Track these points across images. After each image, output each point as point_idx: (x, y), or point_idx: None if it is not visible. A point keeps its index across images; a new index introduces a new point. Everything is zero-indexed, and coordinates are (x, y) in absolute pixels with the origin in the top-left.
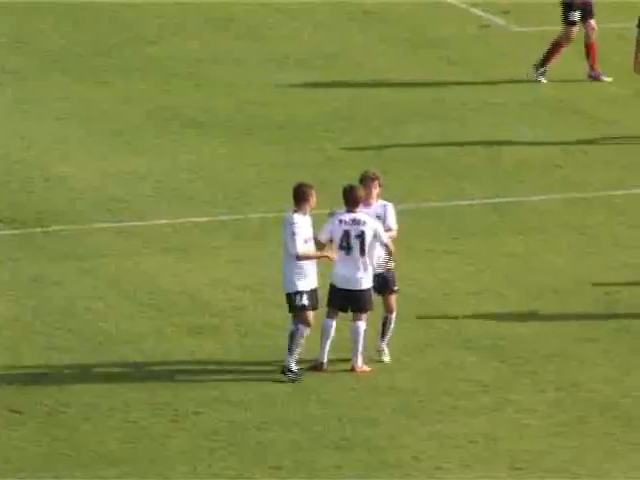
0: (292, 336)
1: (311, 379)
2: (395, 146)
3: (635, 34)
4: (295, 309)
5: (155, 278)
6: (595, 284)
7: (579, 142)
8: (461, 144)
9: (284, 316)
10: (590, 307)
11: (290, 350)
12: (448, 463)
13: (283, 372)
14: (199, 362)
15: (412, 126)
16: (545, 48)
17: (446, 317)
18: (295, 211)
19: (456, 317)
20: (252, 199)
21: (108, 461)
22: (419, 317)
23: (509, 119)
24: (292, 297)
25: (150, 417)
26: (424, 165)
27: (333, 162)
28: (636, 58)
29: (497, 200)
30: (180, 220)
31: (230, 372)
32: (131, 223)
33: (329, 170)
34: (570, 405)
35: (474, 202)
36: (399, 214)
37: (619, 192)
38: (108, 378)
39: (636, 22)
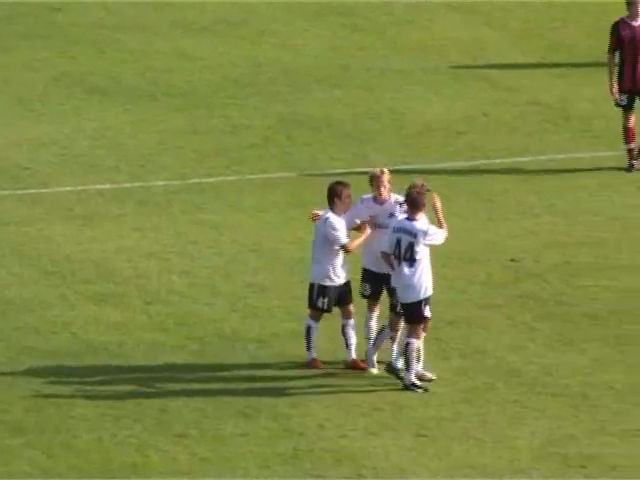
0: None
1: (214, 348)
2: (299, 113)
3: (607, 59)
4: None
5: (59, 246)
6: (500, 251)
7: (483, 108)
8: (365, 110)
9: (188, 283)
10: (495, 274)
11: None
12: (353, 431)
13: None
14: (103, 330)
15: (316, 92)
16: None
17: (352, 284)
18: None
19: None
20: (156, 166)
21: (13, 430)
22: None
23: (413, 85)
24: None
25: (55, 386)
26: (328, 132)
27: (237, 129)
28: (611, 85)
29: (402, 167)
30: (84, 187)
31: (135, 340)
32: (34, 190)
33: (233, 137)
34: (475, 372)
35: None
36: (304, 180)
37: (524, 158)
38: (11, 347)
39: (607, 48)
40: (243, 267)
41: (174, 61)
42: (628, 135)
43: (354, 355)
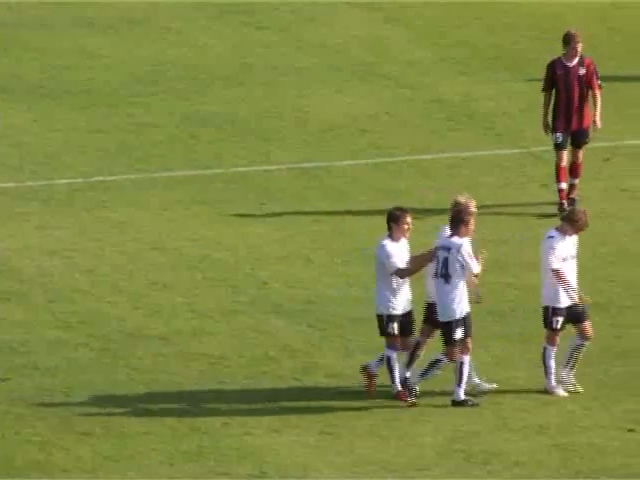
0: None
1: (118, 345)
2: (203, 111)
3: (542, 98)
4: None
5: None
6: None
7: (386, 106)
8: (269, 108)
9: (91, 281)
10: None
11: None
12: (257, 428)
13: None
14: (7, 328)
15: (220, 91)
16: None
17: (255, 282)
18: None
19: (265, 282)
20: (59, 165)
21: None
22: (228, 283)
23: (316, 83)
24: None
25: None
26: (232, 130)
27: (141, 127)
28: (545, 123)
29: (305, 165)
30: None
31: (38, 338)
32: None
33: (137, 135)
34: (379, 369)
35: (282, 167)
36: (207, 178)
37: (427, 156)
38: None
39: (541, 86)
40: (146, 265)
41: (77, 59)
42: (560, 174)
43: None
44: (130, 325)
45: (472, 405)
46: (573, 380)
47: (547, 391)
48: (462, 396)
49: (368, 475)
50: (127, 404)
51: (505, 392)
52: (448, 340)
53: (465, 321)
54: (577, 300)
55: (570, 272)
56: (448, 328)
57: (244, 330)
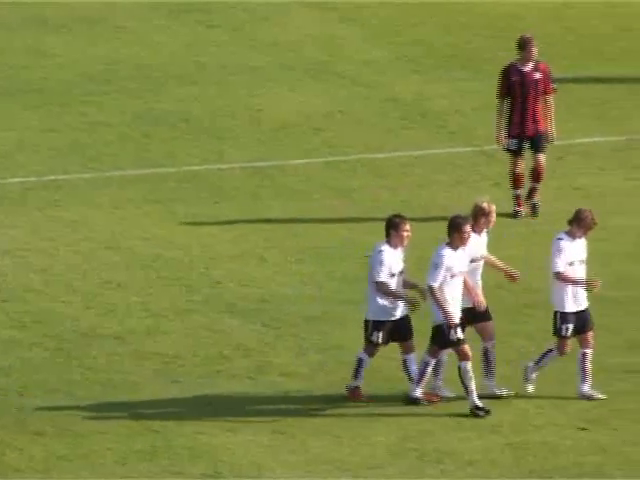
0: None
1: (71, 344)
2: (156, 109)
3: (497, 105)
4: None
5: None
6: (357, 247)
7: (340, 105)
8: (222, 107)
9: (45, 280)
10: (352, 269)
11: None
12: (211, 428)
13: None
14: None
15: (173, 89)
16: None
17: (209, 281)
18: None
19: (218, 281)
20: (12, 163)
21: None
22: (182, 281)
23: (269, 82)
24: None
25: None
26: (185, 128)
27: (94, 126)
28: (498, 130)
29: (258, 164)
30: None
31: None
32: None
33: (89, 134)
34: (332, 368)
35: (235, 165)
36: (159, 177)
37: (381, 155)
38: None
39: (496, 93)
40: (100, 264)
41: (30, 58)
42: (516, 181)
43: (419, 391)
44: (84, 324)
45: (425, 404)
46: (591, 391)
47: (584, 396)
48: (417, 394)
49: (321, 474)
50: (81, 403)
51: (459, 391)
52: (438, 342)
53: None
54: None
55: (580, 276)
56: (438, 331)
57: (198, 329)
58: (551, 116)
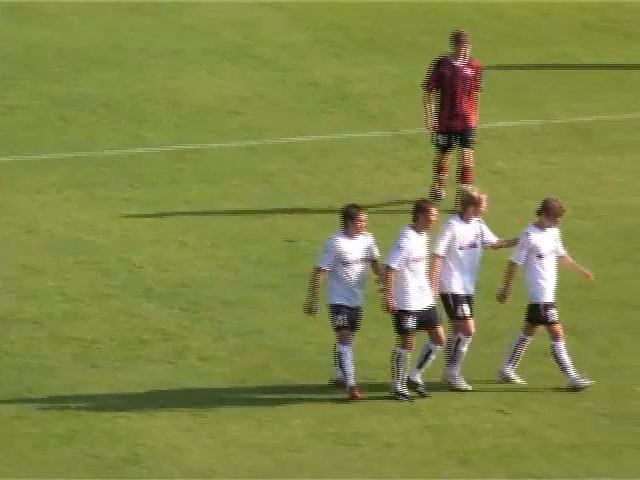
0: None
1: None
2: (75, 93)
3: (423, 95)
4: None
5: None
6: (276, 231)
7: (258, 89)
8: (141, 91)
9: None
10: (271, 254)
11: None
12: (130, 412)
13: None
14: None
15: (92, 73)
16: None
17: (127, 265)
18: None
19: (137, 265)
20: None
21: None
22: (100, 266)
23: (188, 66)
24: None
25: None
26: (104, 112)
27: (12, 110)
28: (427, 121)
29: (177, 147)
30: None
31: None
32: None
33: (7, 118)
34: (251, 352)
35: (154, 149)
36: (79, 162)
37: (300, 139)
38: None
39: (424, 83)
40: (18, 248)
41: None
42: (440, 168)
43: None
44: (2, 308)
45: (409, 400)
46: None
47: (572, 387)
48: (399, 388)
49: (240, 457)
50: None
51: (378, 374)
52: (396, 328)
53: (409, 312)
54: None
55: (551, 268)
56: (395, 317)
57: (116, 313)
58: (476, 111)
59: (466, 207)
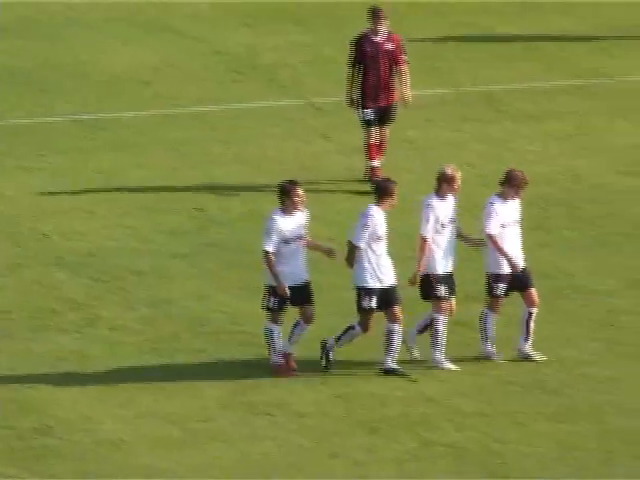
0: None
1: None
2: None
3: (347, 72)
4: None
5: None
6: (186, 200)
7: (169, 58)
8: (51, 60)
9: None
10: (181, 223)
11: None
12: (41, 382)
13: None
14: None
15: (0, 42)
16: None
17: (37, 235)
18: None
19: (46, 235)
20: None
21: None
22: (10, 235)
23: (99, 35)
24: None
25: None
26: (12, 82)
27: None
28: (350, 99)
29: (89, 117)
30: None
31: None
32: None
33: None
34: (161, 321)
35: (65, 119)
36: None
37: (211, 108)
38: None
39: (348, 62)
40: None
41: None
42: (370, 152)
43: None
44: None
45: (402, 374)
46: (531, 351)
47: (484, 355)
48: (391, 365)
49: (151, 427)
50: None
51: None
52: (357, 307)
53: (368, 291)
54: (516, 267)
55: (513, 238)
56: (356, 295)
57: (27, 283)
58: (408, 84)
59: (440, 184)
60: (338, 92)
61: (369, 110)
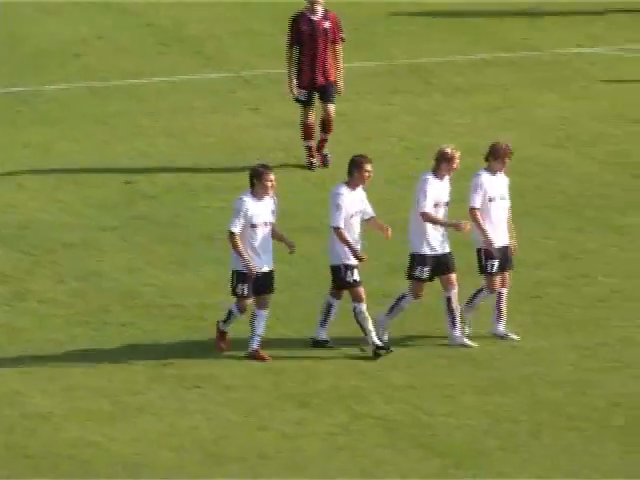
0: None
1: None
2: None
3: (286, 53)
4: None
5: None
6: (115, 173)
7: (98, 31)
8: None
9: None
10: (110, 196)
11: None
12: None
13: None
14: None
15: None
16: None
17: None
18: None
19: None
20: None
21: None
22: None
23: (27, 7)
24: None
25: None
26: None
27: None
28: (290, 80)
29: (15, 89)
30: None
31: None
32: None
33: None
34: (91, 295)
35: None
36: None
37: (139, 81)
38: None
39: (287, 41)
40: None
41: None
42: (307, 132)
43: (255, 346)
44: None
45: (330, 346)
46: (506, 332)
47: (496, 334)
48: (323, 336)
49: (81, 400)
50: None
51: (216, 316)
52: (338, 283)
53: (350, 267)
54: (492, 245)
55: (500, 213)
56: (335, 272)
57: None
58: (340, 66)
59: (439, 163)
60: (266, 64)
61: (304, 90)
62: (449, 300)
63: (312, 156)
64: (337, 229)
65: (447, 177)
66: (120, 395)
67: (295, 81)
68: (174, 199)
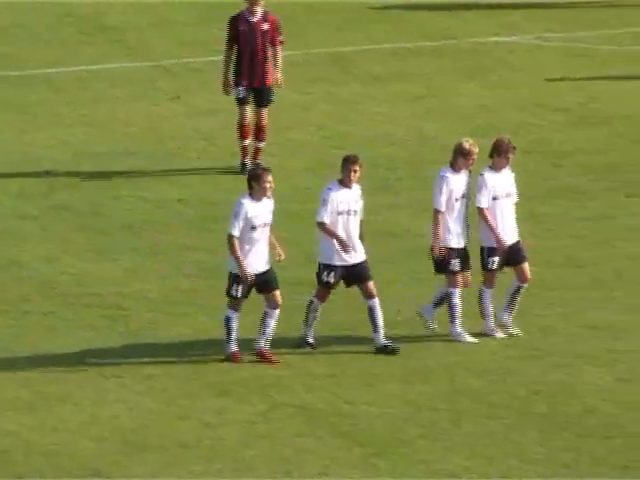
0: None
1: None
2: None
3: (224, 52)
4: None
5: None
6: (34, 162)
7: (15, 19)
8: None
9: None
10: (29, 185)
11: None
12: None
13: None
14: None
15: None
16: None
17: None
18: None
19: None
20: None
21: None
22: None
23: None
24: None
25: None
26: None
27: None
28: (225, 79)
29: None
30: None
31: None
32: None
33: None
34: (10, 284)
35: None
36: None
37: (58, 70)
38: None
39: (226, 41)
40: None
41: None
42: (242, 132)
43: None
44: None
45: (312, 347)
46: (510, 323)
47: (486, 332)
48: (309, 338)
49: (0, 388)
50: None
51: (136, 305)
52: (318, 280)
53: (327, 267)
54: (502, 244)
55: (505, 211)
56: (318, 271)
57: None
58: (279, 65)
59: (456, 158)
60: (186, 54)
61: (241, 88)
62: (452, 294)
63: (246, 156)
64: (321, 224)
65: (464, 171)
66: (39, 384)
67: (232, 80)
68: (94, 188)
